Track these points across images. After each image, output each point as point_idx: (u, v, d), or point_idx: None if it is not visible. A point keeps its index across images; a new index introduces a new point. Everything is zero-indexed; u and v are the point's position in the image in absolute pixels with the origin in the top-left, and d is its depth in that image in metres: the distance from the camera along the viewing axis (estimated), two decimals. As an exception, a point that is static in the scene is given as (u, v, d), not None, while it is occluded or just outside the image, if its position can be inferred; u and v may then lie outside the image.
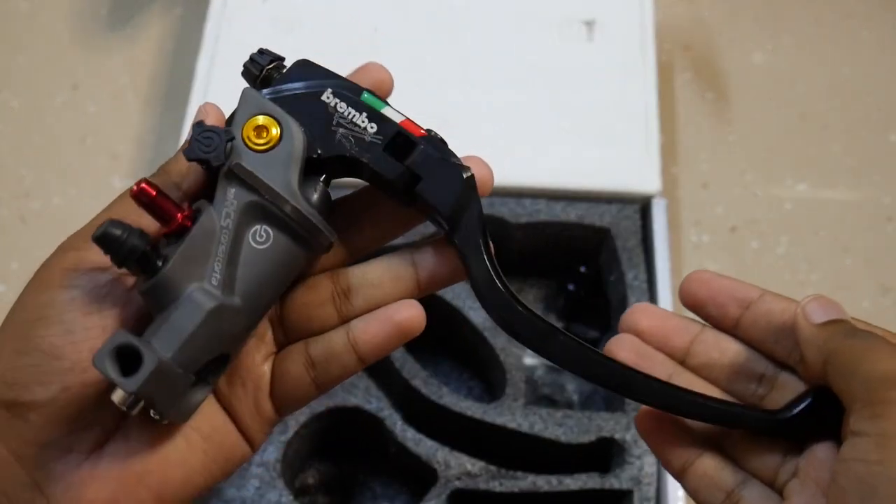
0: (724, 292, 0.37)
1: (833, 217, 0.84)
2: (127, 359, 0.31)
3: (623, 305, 0.73)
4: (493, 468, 0.66)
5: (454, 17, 0.84)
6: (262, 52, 0.37)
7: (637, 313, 0.39)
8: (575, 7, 0.84)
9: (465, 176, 0.36)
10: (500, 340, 0.71)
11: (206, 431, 0.37)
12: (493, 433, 0.68)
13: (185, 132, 0.77)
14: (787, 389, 0.36)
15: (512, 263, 0.76)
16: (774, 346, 0.36)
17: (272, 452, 0.66)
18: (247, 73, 0.37)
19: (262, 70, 0.37)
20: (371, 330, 0.37)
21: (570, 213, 0.75)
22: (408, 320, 0.37)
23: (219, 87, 0.79)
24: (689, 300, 0.38)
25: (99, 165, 0.87)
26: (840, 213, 0.84)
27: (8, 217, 0.83)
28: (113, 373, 0.31)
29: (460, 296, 0.72)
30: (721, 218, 0.84)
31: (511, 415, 0.67)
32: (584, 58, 0.82)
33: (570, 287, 0.78)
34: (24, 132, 0.88)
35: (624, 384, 0.36)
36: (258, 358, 0.38)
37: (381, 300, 0.37)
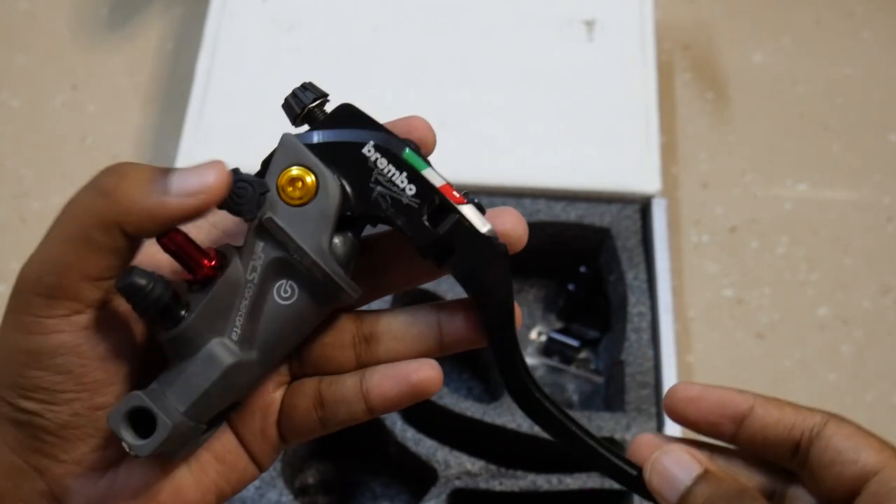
0: (715, 412, 0.36)
1: (833, 217, 0.84)
2: (142, 417, 0.31)
3: (623, 305, 0.73)
4: (493, 467, 0.66)
5: (454, 17, 0.84)
6: (305, 87, 0.35)
7: (641, 448, 0.36)
8: (575, 7, 0.84)
9: (499, 253, 0.34)
10: (500, 340, 0.71)
11: (218, 452, 0.37)
12: (493, 433, 0.68)
13: (185, 132, 0.77)
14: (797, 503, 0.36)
15: (512, 263, 0.76)
16: (777, 457, 0.36)
17: (272, 452, 0.66)
18: (288, 107, 0.35)
19: (304, 108, 0.35)
20: (385, 385, 0.36)
21: (570, 213, 0.75)
22: (424, 381, 0.36)
23: (219, 87, 0.79)
24: (679, 420, 0.36)
25: (99, 165, 0.86)
26: (840, 213, 0.84)
27: (8, 217, 0.83)
28: (127, 436, 0.31)
29: (461, 296, 0.72)
30: (721, 218, 0.84)
31: (511, 415, 0.67)
32: (584, 58, 0.82)
33: (570, 287, 0.78)
34: (24, 132, 0.88)
35: (637, 486, 0.35)
36: (270, 386, 0.37)
37: (402, 354, 0.37)
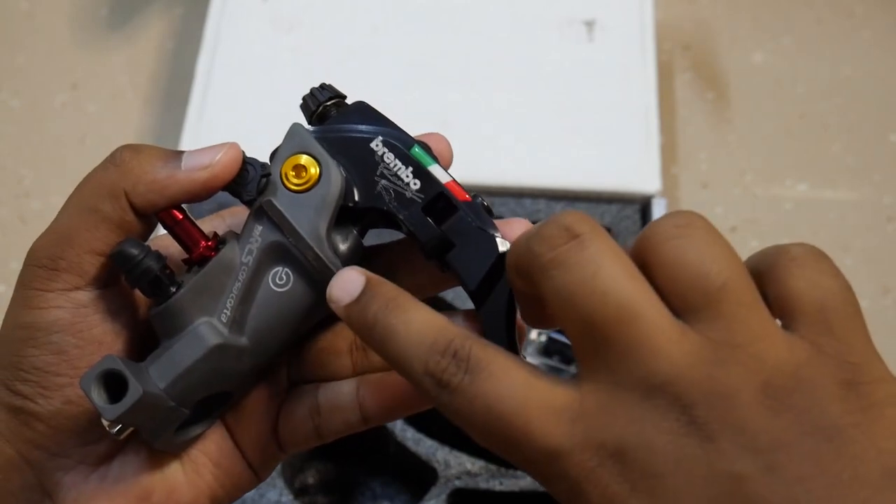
0: None
1: (833, 217, 0.84)
2: (116, 383, 0.31)
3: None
4: (493, 467, 0.66)
5: (454, 17, 0.84)
6: (324, 87, 0.36)
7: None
8: (575, 7, 0.84)
9: (500, 251, 0.33)
10: (500, 340, 0.71)
11: (215, 457, 0.36)
12: (493, 433, 0.68)
13: (186, 132, 0.77)
14: None
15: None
16: None
17: (272, 452, 0.66)
18: (304, 106, 0.36)
19: (320, 106, 0.35)
20: (381, 394, 0.35)
21: (570, 213, 0.75)
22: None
23: (219, 87, 0.79)
24: None
25: (99, 165, 0.87)
26: (840, 213, 0.84)
27: (8, 217, 0.83)
28: (97, 398, 0.31)
29: (461, 296, 0.72)
30: (721, 218, 0.84)
31: (511, 415, 0.67)
32: (584, 58, 0.82)
33: (570, 287, 0.78)
34: (24, 132, 0.88)
35: None
36: (268, 391, 0.37)
37: None
